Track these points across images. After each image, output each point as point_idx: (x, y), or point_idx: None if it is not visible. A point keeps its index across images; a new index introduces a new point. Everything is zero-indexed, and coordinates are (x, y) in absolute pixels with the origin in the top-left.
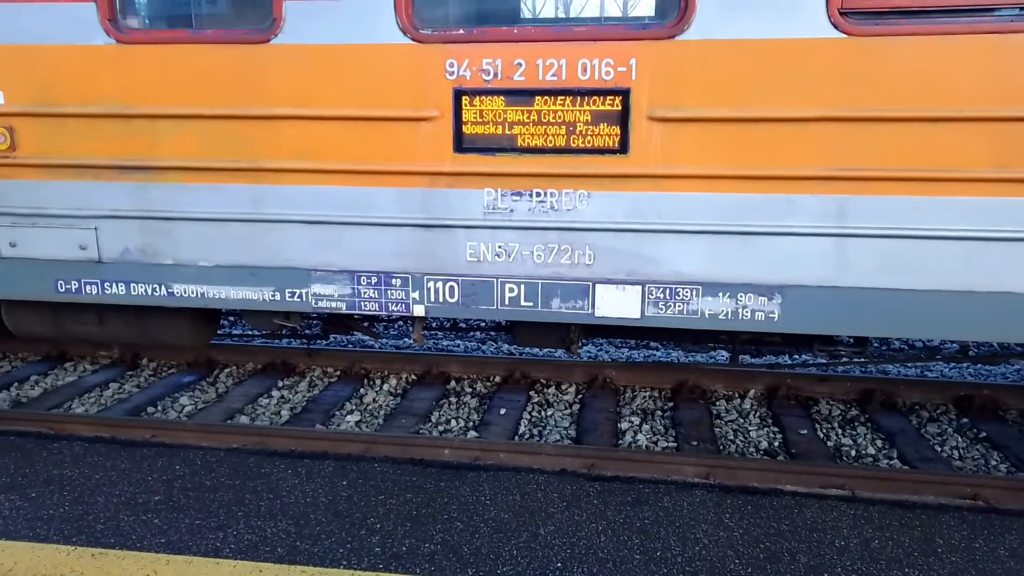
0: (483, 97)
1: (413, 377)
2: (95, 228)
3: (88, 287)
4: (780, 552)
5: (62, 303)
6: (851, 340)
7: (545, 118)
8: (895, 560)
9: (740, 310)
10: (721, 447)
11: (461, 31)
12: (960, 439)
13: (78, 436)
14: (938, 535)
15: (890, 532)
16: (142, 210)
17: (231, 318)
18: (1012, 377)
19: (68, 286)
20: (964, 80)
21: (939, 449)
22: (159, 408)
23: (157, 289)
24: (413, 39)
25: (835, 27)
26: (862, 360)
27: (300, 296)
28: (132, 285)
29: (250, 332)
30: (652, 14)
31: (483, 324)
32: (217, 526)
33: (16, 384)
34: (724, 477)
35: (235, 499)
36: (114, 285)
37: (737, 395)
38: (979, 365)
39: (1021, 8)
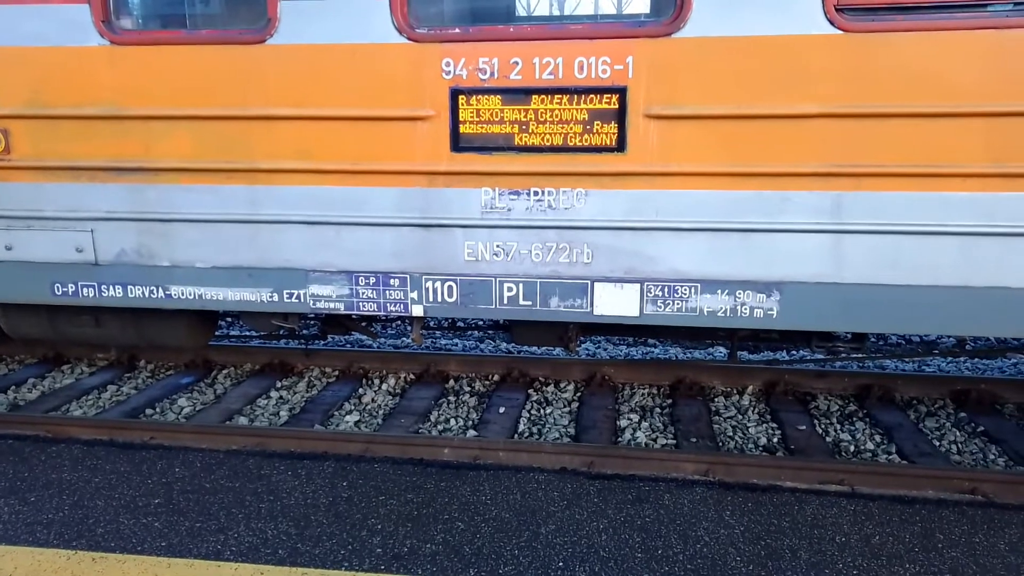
0: (480, 96)
1: (411, 376)
2: (91, 230)
3: (85, 290)
4: (781, 549)
5: (59, 305)
6: (849, 336)
7: (542, 117)
8: (896, 556)
9: (739, 307)
10: (720, 444)
11: (457, 30)
12: (958, 433)
13: (76, 439)
14: (938, 530)
15: (890, 528)
16: (138, 212)
17: (228, 319)
18: (1009, 371)
19: (65, 289)
20: (959, 75)
21: (937, 443)
22: (157, 410)
23: (154, 291)
24: (409, 38)
25: (831, 23)
26: (860, 356)
27: (298, 297)
28: (129, 287)
29: (248, 333)
30: (648, 12)
31: (481, 323)
32: (218, 528)
33: (13, 387)
34: (724, 474)
35: (235, 501)
36: (111, 287)
37: (735, 391)
38: (976, 359)
39: (1015, 3)
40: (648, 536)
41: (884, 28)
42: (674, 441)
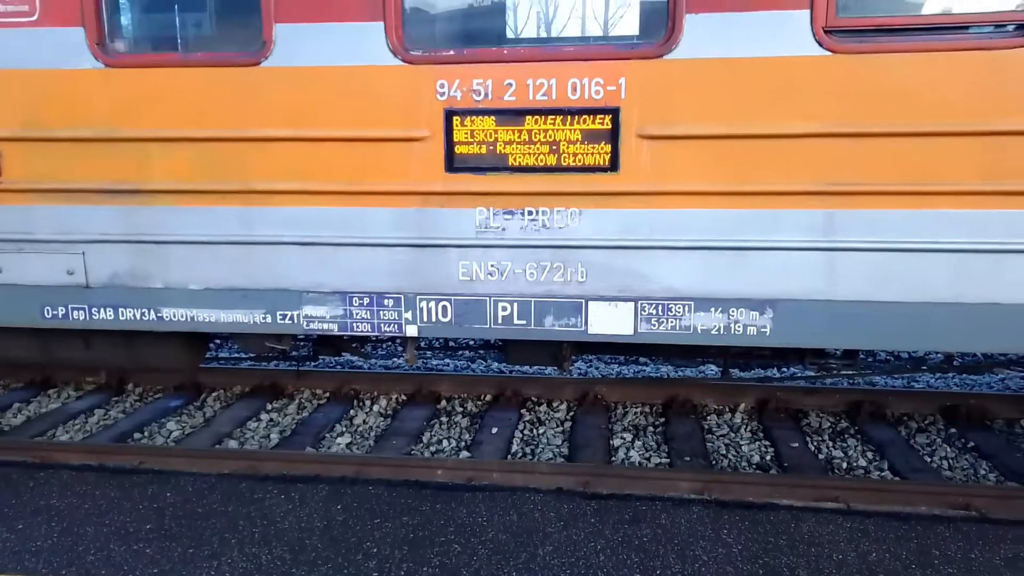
0: (474, 117)
1: (403, 397)
2: (82, 253)
3: (75, 312)
4: (779, 567)
5: (48, 328)
6: (840, 352)
7: (536, 137)
8: (893, 572)
9: (732, 325)
10: (714, 462)
11: (451, 52)
12: (949, 449)
13: (64, 464)
14: (934, 546)
15: (887, 544)
16: (130, 234)
17: (217, 340)
18: (997, 386)
19: (55, 312)
20: (947, 95)
21: (928, 459)
22: (146, 434)
23: (146, 313)
24: (404, 60)
25: (820, 45)
26: (851, 372)
27: (291, 318)
28: (120, 310)
29: (237, 355)
30: (640, 34)
31: (473, 342)
32: (211, 554)
33: None
34: (719, 492)
35: (228, 526)
36: (102, 310)
37: (728, 409)
38: (964, 375)
39: (996, 25)
40: (646, 556)
41: (872, 49)
42: (668, 460)
